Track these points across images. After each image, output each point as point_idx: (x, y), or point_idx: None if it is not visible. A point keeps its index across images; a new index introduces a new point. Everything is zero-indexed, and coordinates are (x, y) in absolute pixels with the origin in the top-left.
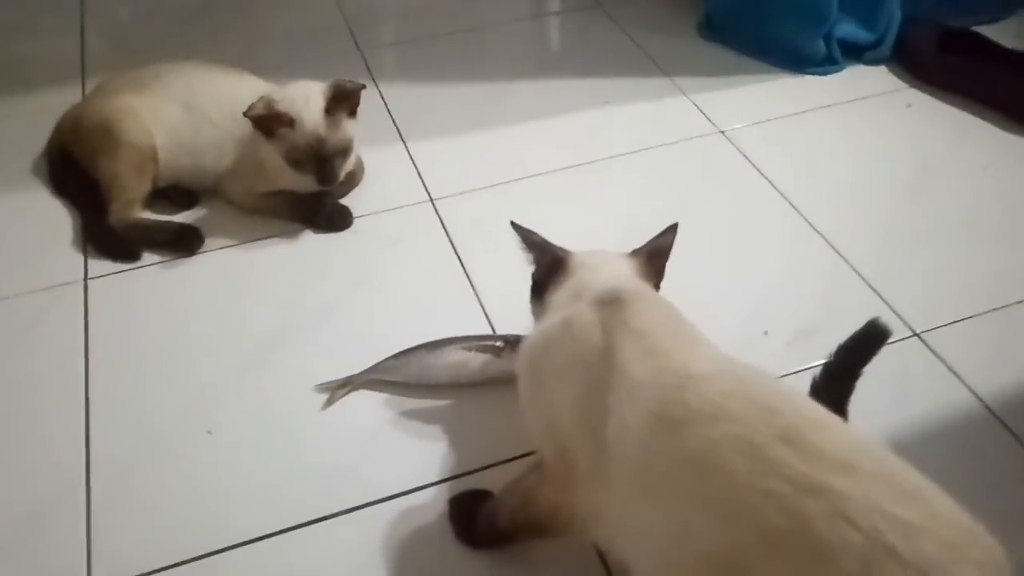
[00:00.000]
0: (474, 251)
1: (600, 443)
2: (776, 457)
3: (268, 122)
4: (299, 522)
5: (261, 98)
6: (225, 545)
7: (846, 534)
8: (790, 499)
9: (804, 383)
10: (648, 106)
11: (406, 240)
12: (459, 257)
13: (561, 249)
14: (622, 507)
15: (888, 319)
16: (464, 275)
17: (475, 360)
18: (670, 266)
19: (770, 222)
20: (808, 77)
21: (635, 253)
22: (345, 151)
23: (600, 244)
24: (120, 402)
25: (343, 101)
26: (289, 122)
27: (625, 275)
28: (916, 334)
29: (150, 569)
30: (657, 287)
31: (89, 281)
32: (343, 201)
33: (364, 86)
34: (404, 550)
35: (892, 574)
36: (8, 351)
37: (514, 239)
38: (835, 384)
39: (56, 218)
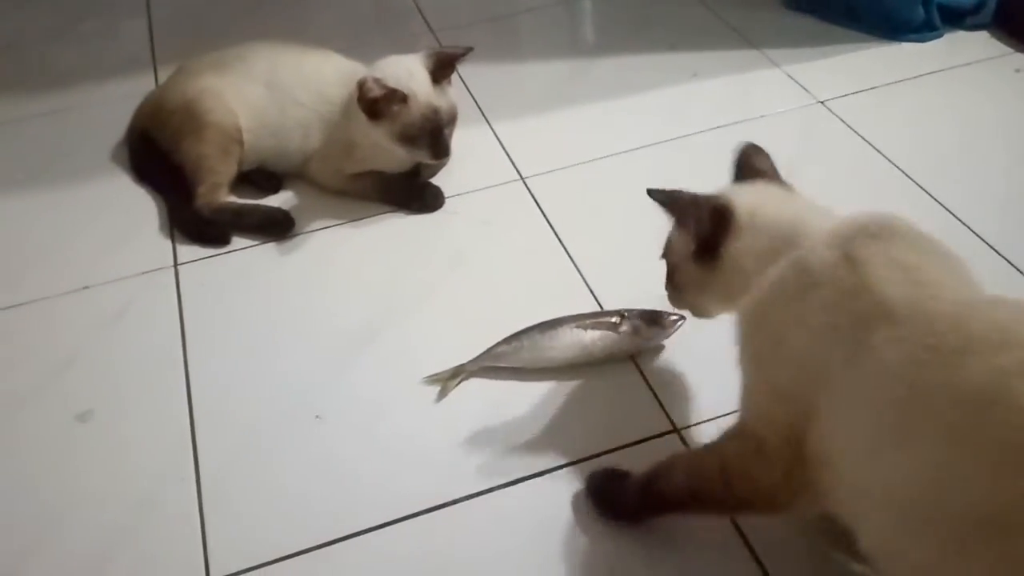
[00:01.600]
0: (571, 227)
1: (842, 393)
2: None
3: (382, 102)
4: (417, 510)
5: (365, 79)
6: (341, 535)
7: None
8: None
9: None
10: (739, 78)
11: (500, 219)
12: (556, 234)
13: (715, 196)
14: (865, 464)
15: (1020, 284)
16: (564, 251)
17: (591, 338)
18: None
19: (882, 191)
20: (905, 45)
21: (770, 180)
22: (454, 119)
23: None
24: (222, 388)
25: (446, 68)
26: (402, 98)
27: (825, 209)
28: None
29: (268, 559)
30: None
31: (179, 267)
32: (432, 182)
33: (471, 48)
34: (529, 534)
35: None
36: (102, 339)
37: (656, 206)
38: None
39: (140, 205)
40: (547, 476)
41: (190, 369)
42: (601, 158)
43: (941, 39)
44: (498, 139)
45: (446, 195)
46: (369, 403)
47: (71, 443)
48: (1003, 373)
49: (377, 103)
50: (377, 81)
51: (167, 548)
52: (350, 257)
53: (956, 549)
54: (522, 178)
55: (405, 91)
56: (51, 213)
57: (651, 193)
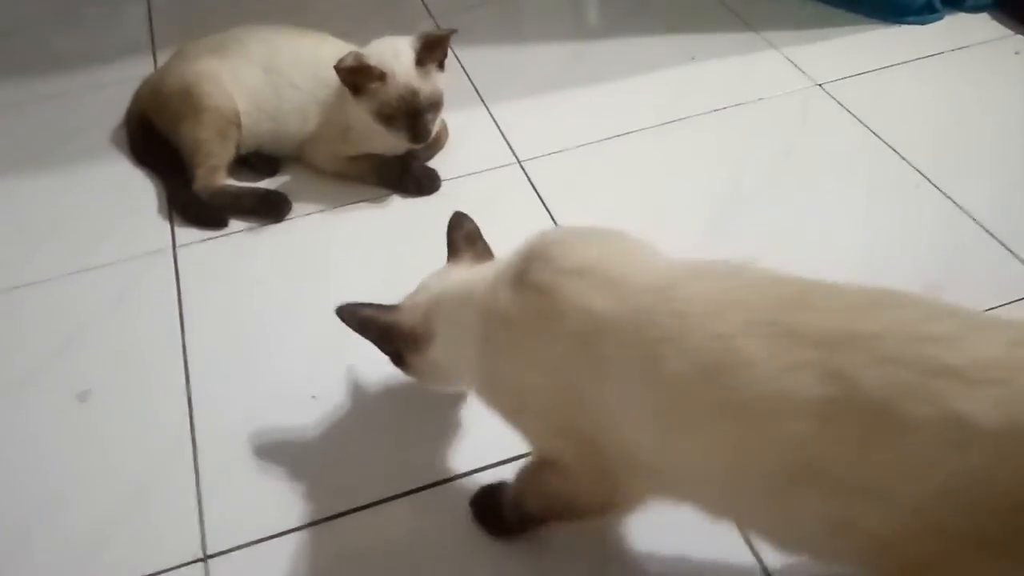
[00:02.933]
0: (568, 211)
1: (611, 407)
2: (797, 326)
3: (358, 76)
4: (404, 490)
5: (350, 52)
6: (335, 512)
7: (896, 375)
8: (825, 363)
9: None
10: (737, 61)
11: (497, 202)
12: (553, 218)
13: (388, 311)
14: (664, 458)
15: (1017, 270)
16: None
17: None
18: (784, 224)
19: (881, 176)
20: (905, 27)
21: (457, 256)
22: (437, 104)
23: (700, 204)
24: (220, 369)
25: (433, 50)
26: (380, 76)
27: (473, 268)
28: None
29: (263, 536)
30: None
31: (178, 249)
32: (429, 164)
33: (455, 30)
34: None
35: (963, 398)
36: (101, 321)
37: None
38: None
39: (139, 188)
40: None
41: (188, 350)
42: (599, 141)
43: (941, 21)
44: (495, 122)
45: (443, 178)
46: (365, 383)
47: (71, 423)
48: (725, 339)
49: (353, 75)
50: (356, 55)
51: (165, 525)
52: (346, 239)
53: (772, 504)
54: (519, 161)
55: (384, 69)
56: (51, 196)
57: (340, 315)
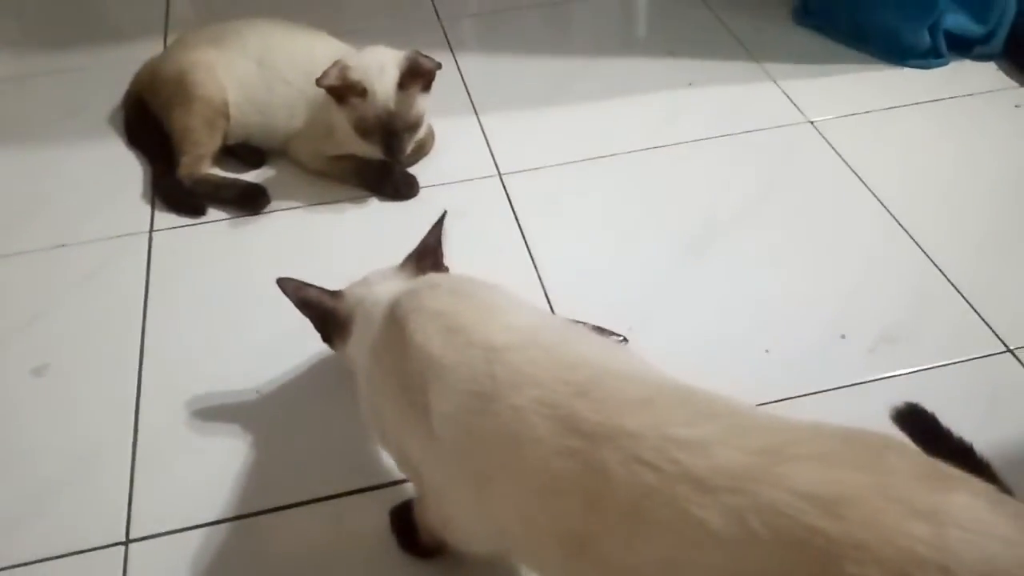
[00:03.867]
0: (539, 229)
1: (435, 448)
2: (573, 412)
3: (340, 90)
4: (334, 492)
5: (335, 64)
6: (261, 508)
7: (642, 476)
8: (590, 454)
9: (885, 394)
10: (734, 90)
11: (471, 214)
12: (523, 234)
13: (330, 296)
14: (473, 508)
15: (980, 332)
16: (527, 253)
17: None
18: (755, 259)
19: (857, 220)
20: (908, 70)
21: (405, 262)
22: (415, 126)
23: (672, 232)
24: (174, 355)
25: (417, 77)
26: (361, 92)
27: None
28: (1009, 349)
29: (188, 525)
30: None
31: (154, 233)
32: (411, 170)
33: (440, 65)
34: None
35: (698, 504)
36: (70, 297)
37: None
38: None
39: (128, 168)
40: None
41: (147, 334)
42: (582, 160)
43: (946, 67)
44: (483, 132)
45: (424, 184)
46: (310, 384)
47: (24, 395)
48: (520, 412)
49: (335, 89)
50: (341, 69)
51: (93, 505)
52: (319, 239)
53: (565, 563)
54: (500, 174)
55: (366, 86)
56: (44, 170)
57: (281, 284)
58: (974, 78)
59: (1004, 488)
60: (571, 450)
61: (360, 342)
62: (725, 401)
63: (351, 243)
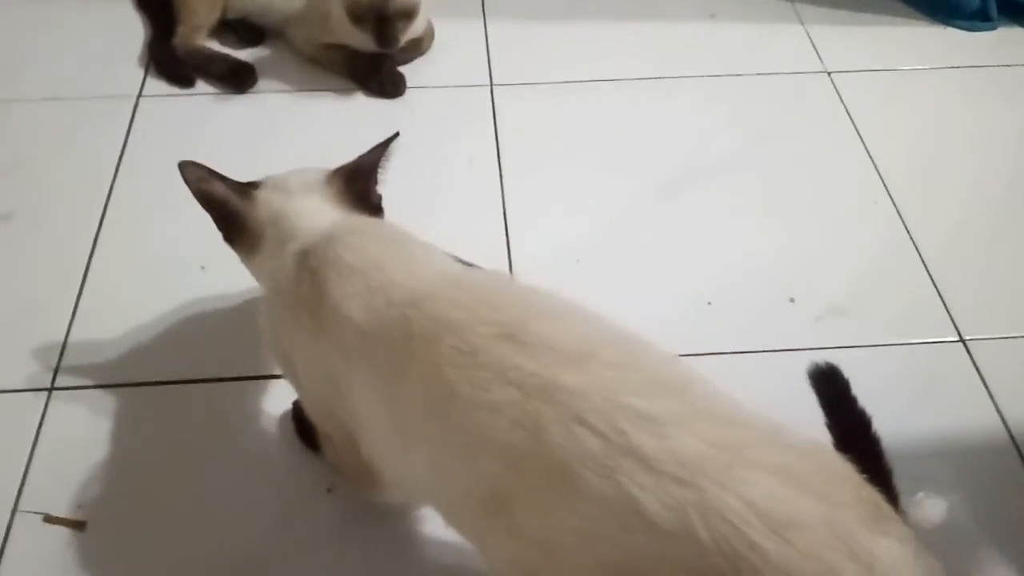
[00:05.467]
0: (517, 147)
1: (359, 411)
2: (497, 359)
3: None
4: (262, 374)
5: None
6: (188, 378)
7: (583, 440)
8: (521, 407)
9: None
10: (756, 28)
11: (452, 121)
12: (498, 150)
13: (241, 195)
14: (394, 464)
15: (938, 316)
16: (498, 174)
17: None
18: (731, 205)
19: (845, 183)
20: (951, 30)
21: (334, 176)
22: (409, 14)
23: (654, 167)
24: (133, 221)
25: None
26: None
27: (324, 211)
28: (962, 339)
29: (112, 383)
30: (373, 211)
31: (141, 99)
32: (403, 68)
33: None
34: None
35: (640, 484)
36: (47, 151)
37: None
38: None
39: (132, 32)
40: None
41: (112, 197)
42: (580, 82)
43: (992, 32)
44: (486, 39)
45: (413, 84)
46: None
47: None
48: (437, 365)
49: None
50: None
51: (28, 350)
52: (298, 123)
53: (482, 525)
54: (492, 84)
55: None
56: (49, 22)
57: (183, 170)
58: (1020, 49)
59: (888, 481)
60: (497, 404)
61: (268, 270)
62: (671, 366)
63: (326, 134)
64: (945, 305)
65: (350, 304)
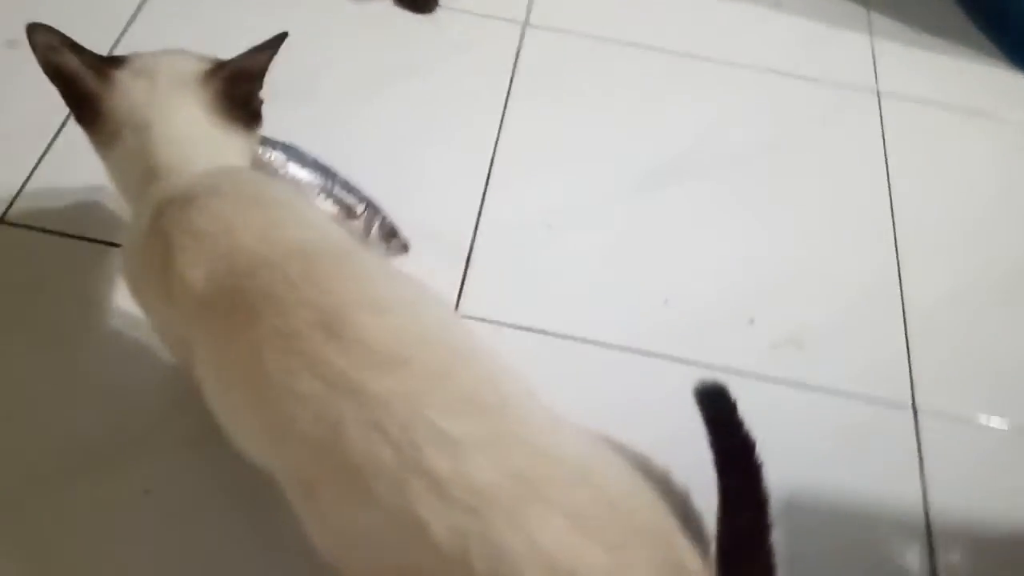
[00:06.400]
0: (526, 95)
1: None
2: (311, 349)
3: None
4: None
5: None
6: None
7: (377, 449)
8: (324, 403)
9: (761, 392)
10: (819, 29)
11: (473, 52)
12: (508, 96)
13: (99, 75)
14: (231, 433)
15: (898, 375)
16: (500, 117)
17: (326, 208)
18: (722, 206)
19: (851, 211)
20: None
21: (212, 75)
22: None
23: (657, 150)
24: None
25: None
26: None
27: (193, 126)
28: (914, 407)
29: (61, 231)
30: (252, 123)
31: None
32: None
33: None
34: None
35: (427, 505)
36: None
37: None
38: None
39: None
40: None
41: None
42: (617, 41)
43: None
44: None
45: (442, 4)
46: None
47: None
48: (256, 345)
49: None
50: None
51: None
52: (309, 23)
53: (299, 503)
54: (526, 23)
55: None
56: None
57: (30, 33)
58: None
59: (760, 511)
60: (304, 395)
61: (124, 175)
62: (493, 382)
63: (338, 35)
64: (910, 367)
65: (194, 273)
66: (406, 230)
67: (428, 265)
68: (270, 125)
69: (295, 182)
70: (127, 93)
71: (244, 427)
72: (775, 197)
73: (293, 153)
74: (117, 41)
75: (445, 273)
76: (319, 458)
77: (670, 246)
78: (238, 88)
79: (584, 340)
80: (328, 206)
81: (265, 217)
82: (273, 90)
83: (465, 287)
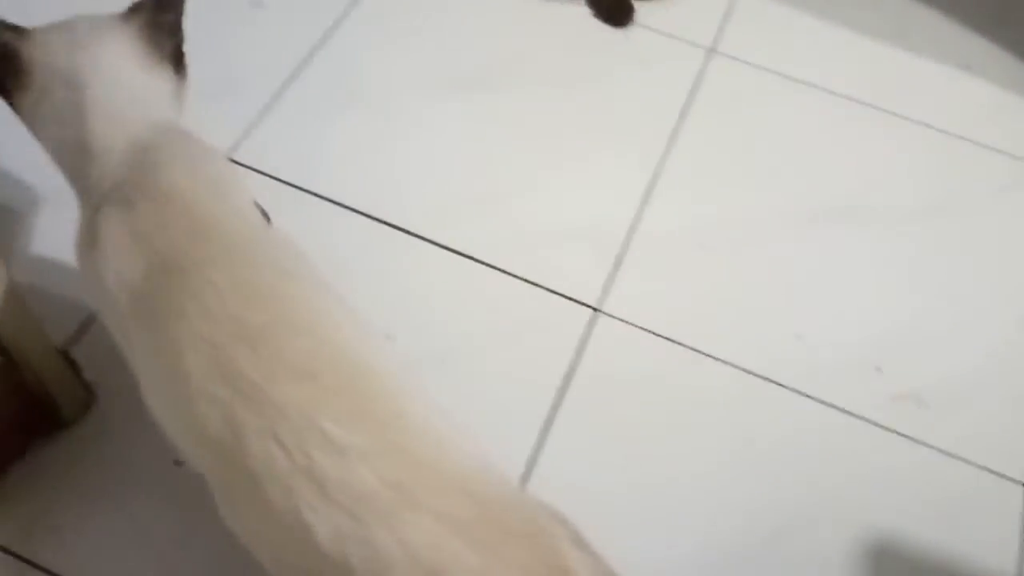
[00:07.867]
0: (701, 119)
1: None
2: (229, 359)
3: None
4: None
5: None
6: None
7: (273, 456)
8: (232, 409)
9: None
10: (1007, 97)
11: (655, 69)
12: (683, 115)
13: (13, 29)
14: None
15: (1014, 449)
16: (670, 135)
17: None
18: (856, 239)
19: (1002, 285)
20: None
21: (136, 8)
22: None
23: (817, 190)
24: None
25: None
26: None
27: (120, 73)
28: None
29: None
30: (179, 65)
31: None
32: (639, 3)
33: None
34: None
35: (313, 510)
36: None
37: None
38: None
39: None
40: None
41: None
42: (799, 81)
43: None
44: (733, 4)
45: (639, 24)
46: None
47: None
48: (177, 342)
49: None
50: None
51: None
52: (499, 20)
53: (216, 493)
54: (711, 49)
55: None
56: None
57: None
58: None
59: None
60: (216, 399)
61: (58, 153)
62: (395, 399)
63: (532, 35)
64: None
65: (130, 270)
66: (559, 223)
67: (576, 260)
68: (464, 111)
69: None
70: (48, 44)
71: (171, 424)
72: (930, 257)
73: None
74: None
75: (592, 272)
76: (226, 461)
77: (815, 284)
78: (163, 16)
79: (713, 357)
80: None
81: (199, 212)
82: (462, 78)
83: (612, 288)
